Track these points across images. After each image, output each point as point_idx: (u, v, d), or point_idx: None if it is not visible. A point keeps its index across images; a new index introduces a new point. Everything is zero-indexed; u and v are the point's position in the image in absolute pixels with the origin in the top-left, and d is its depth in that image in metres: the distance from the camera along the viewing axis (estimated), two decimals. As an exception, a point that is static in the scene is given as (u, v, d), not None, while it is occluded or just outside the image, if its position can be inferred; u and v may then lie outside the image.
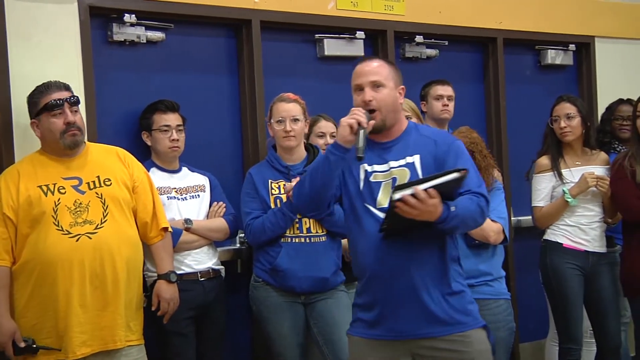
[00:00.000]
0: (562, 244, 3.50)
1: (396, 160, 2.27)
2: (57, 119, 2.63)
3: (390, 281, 2.25)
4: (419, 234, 2.24)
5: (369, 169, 2.29)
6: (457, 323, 2.25)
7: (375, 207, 2.24)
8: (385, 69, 2.29)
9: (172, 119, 2.98)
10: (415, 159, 2.27)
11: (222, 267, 3.15)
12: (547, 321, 3.78)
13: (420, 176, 2.21)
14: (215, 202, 3.13)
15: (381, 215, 2.18)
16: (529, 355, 4.37)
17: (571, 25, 4.35)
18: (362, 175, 2.28)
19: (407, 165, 2.26)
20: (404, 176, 2.26)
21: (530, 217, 3.70)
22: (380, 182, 2.26)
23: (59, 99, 2.65)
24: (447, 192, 2.09)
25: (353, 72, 2.30)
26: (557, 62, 4.36)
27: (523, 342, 4.12)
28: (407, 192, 2.00)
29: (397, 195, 2.03)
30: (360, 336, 2.36)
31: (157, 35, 3.23)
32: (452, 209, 2.07)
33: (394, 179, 2.26)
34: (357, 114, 2.16)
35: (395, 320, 2.26)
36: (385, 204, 2.20)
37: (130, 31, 3.14)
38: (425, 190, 1.98)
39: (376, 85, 2.18)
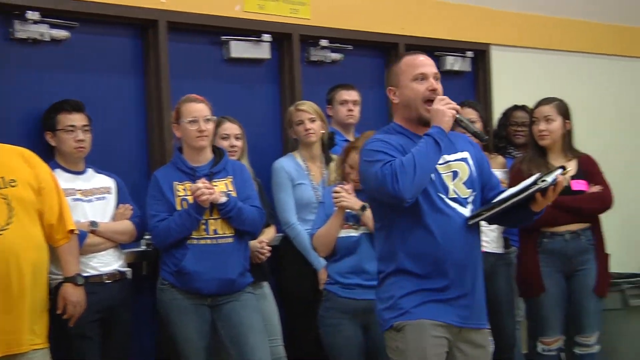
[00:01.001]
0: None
1: (449, 154, 2.34)
2: None
3: (463, 269, 2.34)
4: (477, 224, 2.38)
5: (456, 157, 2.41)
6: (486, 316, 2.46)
7: (447, 196, 2.30)
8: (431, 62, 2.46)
9: (78, 119, 2.97)
10: (466, 155, 2.38)
11: (129, 269, 3.14)
12: None
13: (474, 170, 2.35)
14: (122, 205, 3.12)
15: (453, 204, 2.28)
16: None
17: (468, 33, 4.60)
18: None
19: (463, 159, 2.37)
20: (464, 170, 2.36)
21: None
22: (441, 174, 2.33)
23: None
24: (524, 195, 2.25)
25: (407, 61, 2.35)
26: (456, 68, 4.57)
27: None
28: (553, 178, 2.15)
29: (551, 178, 2.18)
30: (430, 318, 2.37)
31: (62, 33, 3.19)
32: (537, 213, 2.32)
33: (455, 172, 2.35)
34: (453, 103, 2.27)
35: (463, 307, 2.35)
36: (457, 195, 2.33)
37: (33, 29, 3.10)
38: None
39: (436, 78, 2.29)
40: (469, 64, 4.58)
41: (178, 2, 3.43)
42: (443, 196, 2.30)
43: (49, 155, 2.93)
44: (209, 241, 3.04)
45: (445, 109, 2.23)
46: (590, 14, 5.38)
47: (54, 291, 2.84)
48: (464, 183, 2.30)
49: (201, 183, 2.92)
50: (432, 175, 2.30)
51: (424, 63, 2.34)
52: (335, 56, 4.23)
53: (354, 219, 3.14)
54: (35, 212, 2.78)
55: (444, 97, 2.30)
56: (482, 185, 2.36)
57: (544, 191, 2.20)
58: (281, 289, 3.67)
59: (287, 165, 3.59)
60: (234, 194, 3.04)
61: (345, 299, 3.09)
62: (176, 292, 3.04)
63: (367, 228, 3.07)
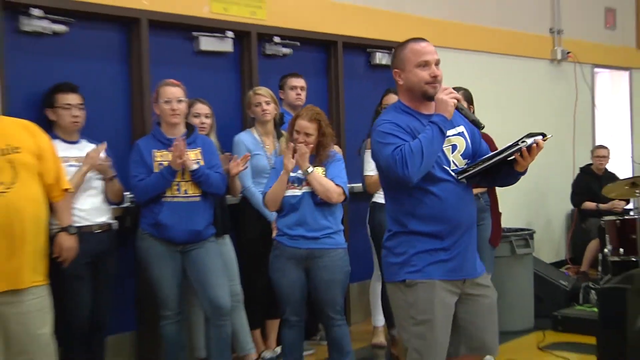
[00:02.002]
0: (382, 203, 4.24)
1: (453, 127, 2.52)
2: None
3: (466, 225, 2.53)
4: (469, 184, 2.51)
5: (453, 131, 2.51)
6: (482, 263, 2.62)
7: (449, 168, 2.46)
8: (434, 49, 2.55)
9: (73, 98, 3.39)
10: (462, 130, 2.55)
11: (115, 221, 3.59)
12: (372, 265, 4.55)
13: (469, 143, 2.51)
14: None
15: (453, 174, 2.44)
16: (357, 292, 5.12)
17: (393, 34, 5.06)
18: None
19: (460, 134, 2.53)
20: (462, 143, 2.55)
21: (360, 184, 4.40)
22: (443, 149, 2.48)
23: None
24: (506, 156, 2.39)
25: (412, 48, 2.44)
26: (383, 62, 5.21)
27: (352, 282, 4.59)
28: (532, 141, 2.28)
29: (530, 141, 2.31)
30: (438, 278, 2.50)
31: (61, 27, 3.61)
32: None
33: (454, 146, 2.51)
34: (455, 93, 2.43)
35: (465, 259, 2.52)
36: (457, 166, 2.46)
37: (36, 23, 3.49)
38: (540, 142, 2.30)
39: (437, 64, 2.41)
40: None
41: (157, 3, 3.86)
42: (447, 168, 2.47)
43: (49, 128, 3.32)
44: (181, 199, 3.49)
45: (447, 98, 2.37)
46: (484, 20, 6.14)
47: (52, 239, 3.16)
48: (461, 155, 2.48)
49: (180, 142, 3.35)
50: None
51: (427, 50, 2.43)
52: (286, 50, 4.81)
53: (298, 181, 3.52)
54: (36, 174, 3.05)
55: (447, 87, 2.46)
56: (474, 154, 2.51)
57: (528, 150, 2.32)
58: (240, 240, 4.12)
59: (245, 139, 4.04)
60: (202, 162, 3.49)
61: (291, 247, 3.50)
62: (153, 240, 3.50)
63: (310, 188, 3.47)
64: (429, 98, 2.38)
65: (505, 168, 2.44)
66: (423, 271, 2.45)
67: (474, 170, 2.43)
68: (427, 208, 2.47)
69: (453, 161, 2.47)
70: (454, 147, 2.47)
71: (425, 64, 2.36)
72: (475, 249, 2.64)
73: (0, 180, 2.92)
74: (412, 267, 2.45)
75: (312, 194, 3.47)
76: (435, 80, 2.37)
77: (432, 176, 2.40)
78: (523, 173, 2.46)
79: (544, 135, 2.36)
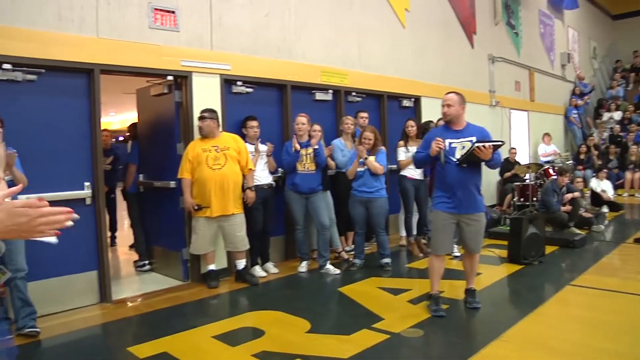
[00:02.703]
0: (406, 175, 6.50)
1: (465, 138, 4.03)
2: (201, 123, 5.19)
3: (462, 187, 4.07)
4: (472, 166, 3.96)
5: (450, 142, 4.09)
6: (479, 207, 4.18)
7: (454, 157, 3.98)
8: (454, 97, 4.18)
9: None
10: (473, 139, 4.03)
11: (274, 182, 5.96)
12: (400, 206, 6.96)
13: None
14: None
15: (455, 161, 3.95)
16: (392, 219, 7.47)
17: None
18: (447, 144, 4.07)
19: (470, 140, 4.00)
20: (468, 145, 3.99)
21: (395, 165, 6.84)
22: (455, 147, 4.02)
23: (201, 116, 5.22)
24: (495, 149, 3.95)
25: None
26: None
27: (390, 214, 6.96)
28: (481, 144, 3.84)
29: (478, 144, 3.82)
30: (442, 210, 4.16)
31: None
32: (495, 156, 4.00)
33: (463, 146, 4.00)
34: (440, 144, 4.00)
35: (461, 204, 4.09)
36: (458, 158, 3.97)
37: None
38: (487, 145, 3.87)
39: (447, 106, 4.12)
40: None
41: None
42: (452, 158, 4.02)
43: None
44: (305, 171, 5.77)
45: (434, 145, 4.02)
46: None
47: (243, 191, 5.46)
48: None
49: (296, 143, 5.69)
50: (447, 147, 4.06)
51: (444, 98, 4.14)
52: (359, 99, 7.53)
53: (362, 164, 5.71)
54: (236, 160, 5.30)
55: (438, 139, 4.04)
56: None
57: (479, 149, 3.87)
58: (334, 192, 6.33)
59: (337, 142, 6.41)
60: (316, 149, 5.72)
61: (359, 196, 5.77)
62: (292, 192, 5.86)
63: (368, 167, 5.69)
64: (446, 122, 4.21)
65: (481, 159, 3.97)
66: (435, 206, 4.21)
67: (461, 159, 3.96)
68: (440, 177, 4.10)
69: (461, 154, 3.99)
70: (463, 146, 4.05)
71: (443, 106, 4.18)
72: (473, 199, 4.14)
73: (219, 163, 5.18)
74: (432, 204, 4.25)
75: (369, 170, 5.69)
76: (444, 115, 4.20)
77: (444, 162, 4.00)
78: (489, 161, 4.03)
79: (499, 142, 4.03)
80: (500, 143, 3.98)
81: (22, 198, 3.86)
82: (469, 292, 4.58)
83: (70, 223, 1.31)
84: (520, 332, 3.94)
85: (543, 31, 13.60)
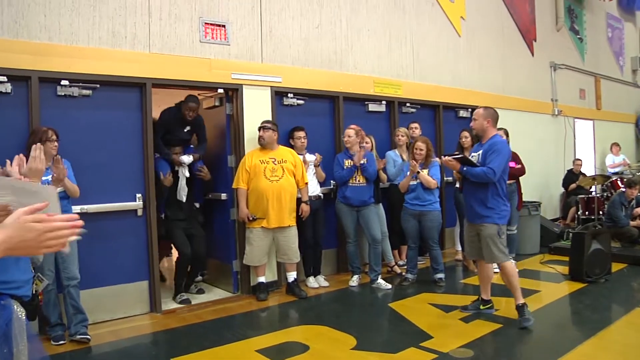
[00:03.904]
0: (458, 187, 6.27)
1: (478, 151, 4.35)
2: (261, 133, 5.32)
3: (467, 199, 4.40)
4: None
5: (473, 154, 4.42)
6: (481, 218, 4.36)
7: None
8: (480, 111, 4.39)
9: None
10: (479, 152, 4.33)
11: (321, 194, 5.93)
12: (456, 219, 6.87)
13: (480, 159, 4.27)
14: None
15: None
16: (448, 233, 7.50)
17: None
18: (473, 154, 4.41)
19: (478, 154, 4.35)
20: (475, 157, 4.36)
21: (451, 178, 6.78)
22: (472, 159, 4.32)
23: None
24: (468, 163, 4.24)
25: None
26: (465, 115, 7.74)
27: (446, 227, 7.24)
28: (447, 158, 4.31)
29: (445, 157, 4.34)
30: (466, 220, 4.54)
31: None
32: (464, 169, 4.25)
33: (474, 157, 4.32)
34: (451, 161, 4.34)
35: (467, 214, 4.48)
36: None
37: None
38: (449, 159, 4.31)
39: (474, 120, 4.36)
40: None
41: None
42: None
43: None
44: (356, 184, 5.74)
45: (446, 161, 4.41)
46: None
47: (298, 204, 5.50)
48: (477, 161, 4.30)
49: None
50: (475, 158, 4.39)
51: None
52: (412, 110, 7.39)
53: (414, 177, 5.66)
54: (292, 173, 5.40)
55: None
56: (482, 163, 4.27)
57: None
58: (387, 205, 6.36)
59: (391, 154, 6.37)
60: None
61: (412, 209, 5.73)
62: (343, 205, 5.84)
63: (420, 181, 5.65)
64: (477, 137, 4.57)
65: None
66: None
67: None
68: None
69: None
70: (474, 157, 4.43)
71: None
72: (474, 211, 4.39)
73: (277, 175, 5.29)
74: None
75: (421, 183, 5.68)
76: (471, 128, 4.54)
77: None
78: (465, 174, 4.32)
79: (459, 155, 4.35)
80: (459, 155, 4.30)
81: (77, 209, 4.28)
82: (517, 308, 4.43)
83: (74, 238, 1.30)
84: (579, 357, 3.69)
85: (611, 35, 12.97)
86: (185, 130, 5.50)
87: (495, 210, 4.29)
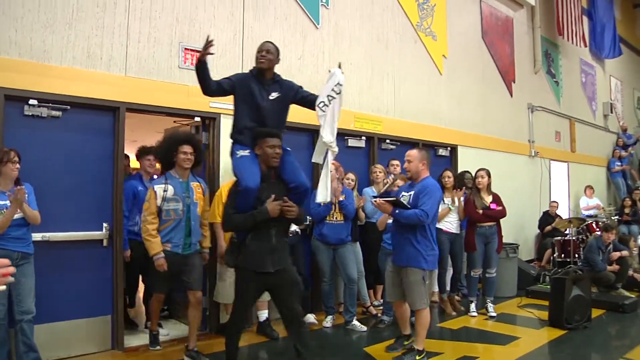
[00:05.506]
0: (442, 228, 6.03)
1: (409, 192, 4.40)
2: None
3: (395, 239, 4.46)
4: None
5: (403, 194, 4.44)
6: (407, 261, 4.30)
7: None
8: (414, 153, 4.47)
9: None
10: (411, 193, 4.39)
11: (299, 230, 5.63)
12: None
13: (411, 200, 4.28)
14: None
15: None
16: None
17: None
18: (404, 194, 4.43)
19: (409, 195, 4.40)
20: (407, 199, 4.37)
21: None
22: (403, 201, 4.31)
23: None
24: (400, 205, 4.23)
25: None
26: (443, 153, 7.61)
27: None
28: (380, 200, 4.32)
29: (377, 200, 4.33)
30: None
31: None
32: (396, 211, 4.23)
33: (405, 200, 4.34)
34: (382, 203, 4.32)
35: (395, 254, 4.42)
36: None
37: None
38: (382, 201, 4.31)
39: (409, 162, 4.42)
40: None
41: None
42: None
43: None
44: (334, 221, 5.53)
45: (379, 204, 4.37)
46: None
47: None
48: (408, 202, 4.30)
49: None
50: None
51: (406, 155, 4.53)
52: (392, 147, 7.29)
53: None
54: None
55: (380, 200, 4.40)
56: (413, 205, 4.26)
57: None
58: (363, 244, 6.09)
59: (367, 190, 6.25)
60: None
61: (389, 249, 5.29)
62: (319, 242, 5.60)
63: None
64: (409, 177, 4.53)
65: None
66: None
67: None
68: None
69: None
70: (404, 197, 4.41)
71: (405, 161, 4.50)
72: (404, 250, 4.33)
73: None
74: None
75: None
76: (405, 169, 4.52)
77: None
78: (392, 215, 4.34)
79: (392, 198, 4.33)
80: (392, 198, 4.30)
81: (37, 237, 3.98)
82: (413, 348, 4.52)
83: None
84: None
85: (584, 80, 13.22)
86: None
87: (422, 254, 4.26)
